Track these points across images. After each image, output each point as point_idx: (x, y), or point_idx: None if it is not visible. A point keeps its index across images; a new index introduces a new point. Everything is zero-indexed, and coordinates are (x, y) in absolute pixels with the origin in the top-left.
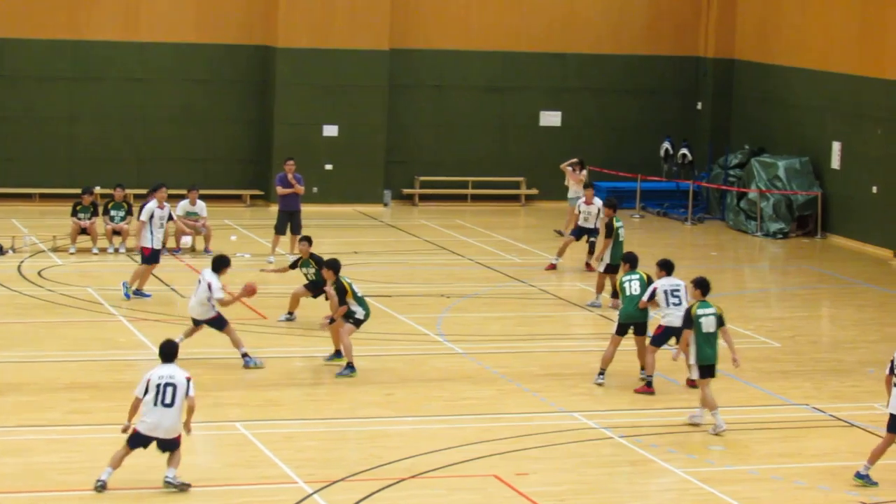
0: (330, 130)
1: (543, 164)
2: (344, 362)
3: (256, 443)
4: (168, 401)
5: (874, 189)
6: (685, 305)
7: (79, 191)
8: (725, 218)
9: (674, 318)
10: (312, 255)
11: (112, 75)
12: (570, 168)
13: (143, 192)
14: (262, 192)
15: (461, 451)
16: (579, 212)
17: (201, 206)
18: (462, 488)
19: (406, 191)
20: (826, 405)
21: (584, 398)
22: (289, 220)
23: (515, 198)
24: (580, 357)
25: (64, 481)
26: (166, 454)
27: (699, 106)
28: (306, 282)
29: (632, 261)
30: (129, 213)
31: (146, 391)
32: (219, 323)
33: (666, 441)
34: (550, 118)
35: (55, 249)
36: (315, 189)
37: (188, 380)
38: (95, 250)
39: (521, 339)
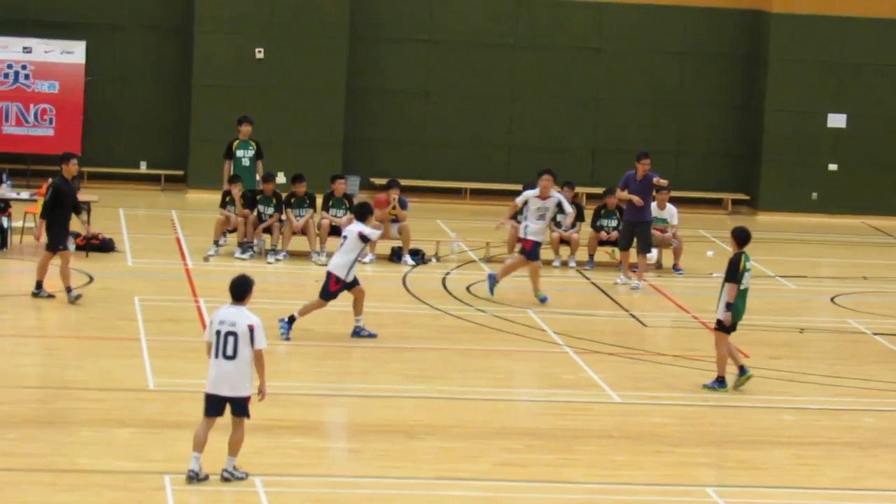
0: (836, 120)
1: None
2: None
3: None
4: (230, 352)
5: None
6: None
7: (519, 187)
8: None
9: None
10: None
11: (560, 43)
12: None
13: (599, 191)
14: (747, 197)
15: None
16: None
17: (671, 211)
18: None
19: None
20: None
21: None
22: (632, 232)
23: None
24: None
25: None
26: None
27: None
28: None
29: None
30: (579, 217)
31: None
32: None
33: None
34: None
35: (489, 259)
36: (814, 195)
37: (251, 328)
38: (557, 263)
39: None
